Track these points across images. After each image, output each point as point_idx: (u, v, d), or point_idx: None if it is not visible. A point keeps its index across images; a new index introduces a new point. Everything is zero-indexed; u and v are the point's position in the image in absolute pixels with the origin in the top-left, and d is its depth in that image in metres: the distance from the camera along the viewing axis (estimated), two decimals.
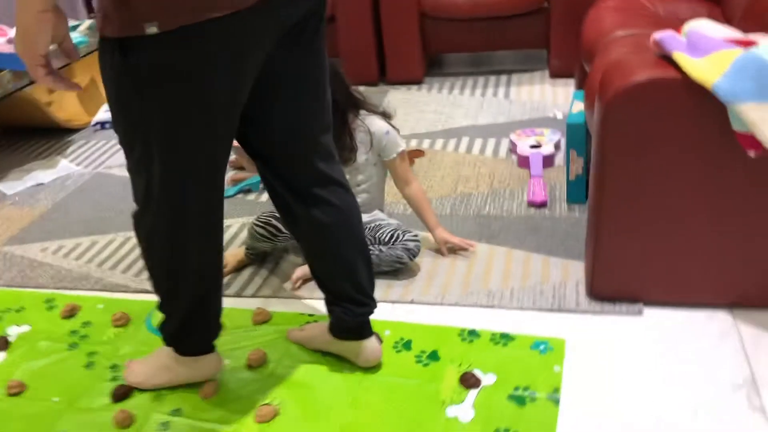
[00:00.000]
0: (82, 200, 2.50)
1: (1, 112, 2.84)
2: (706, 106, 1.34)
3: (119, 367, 1.59)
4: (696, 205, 1.47)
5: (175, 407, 1.46)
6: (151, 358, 1.54)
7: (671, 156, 1.43)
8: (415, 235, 1.83)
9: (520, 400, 1.41)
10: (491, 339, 1.59)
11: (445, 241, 1.88)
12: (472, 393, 1.44)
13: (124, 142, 1.24)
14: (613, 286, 1.62)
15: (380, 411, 1.42)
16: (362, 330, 1.49)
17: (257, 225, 1.86)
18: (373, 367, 1.52)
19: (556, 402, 1.39)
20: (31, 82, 2.92)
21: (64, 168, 2.78)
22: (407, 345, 1.59)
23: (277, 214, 1.69)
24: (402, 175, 1.89)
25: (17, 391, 1.54)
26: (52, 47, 1.10)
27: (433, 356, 1.56)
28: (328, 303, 1.48)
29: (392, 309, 1.71)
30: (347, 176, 1.46)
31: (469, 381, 1.47)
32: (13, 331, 1.76)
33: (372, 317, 1.49)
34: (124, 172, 1.32)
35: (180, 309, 1.40)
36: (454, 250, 1.90)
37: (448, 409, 1.40)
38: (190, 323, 1.42)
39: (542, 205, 2.11)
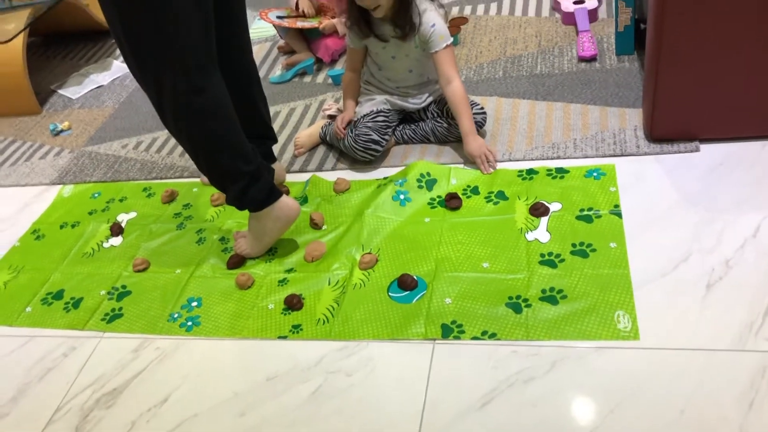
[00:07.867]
0: (145, 97, 2.61)
1: (52, 19, 2.91)
2: None
3: (228, 240, 1.77)
4: (753, 39, 1.55)
5: (288, 267, 1.65)
6: (249, 232, 1.70)
7: None
8: (481, 108, 1.92)
9: (587, 219, 1.60)
10: (548, 174, 1.76)
11: (472, 155, 1.82)
12: (544, 220, 1.62)
13: (129, 55, 1.49)
14: (671, 127, 1.74)
15: (468, 243, 1.60)
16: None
17: (359, 149, 1.89)
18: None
19: (619, 215, 1.58)
20: None
21: (118, 68, 2.87)
22: (475, 190, 1.76)
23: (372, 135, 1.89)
24: (443, 71, 1.81)
25: (143, 267, 1.74)
26: None
27: (501, 195, 1.73)
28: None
29: (463, 168, 1.85)
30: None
31: (539, 210, 1.65)
32: (122, 218, 1.95)
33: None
34: None
35: (229, 171, 1.55)
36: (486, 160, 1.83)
37: (527, 234, 1.59)
38: (241, 179, 1.55)
39: (592, 58, 2.19)
